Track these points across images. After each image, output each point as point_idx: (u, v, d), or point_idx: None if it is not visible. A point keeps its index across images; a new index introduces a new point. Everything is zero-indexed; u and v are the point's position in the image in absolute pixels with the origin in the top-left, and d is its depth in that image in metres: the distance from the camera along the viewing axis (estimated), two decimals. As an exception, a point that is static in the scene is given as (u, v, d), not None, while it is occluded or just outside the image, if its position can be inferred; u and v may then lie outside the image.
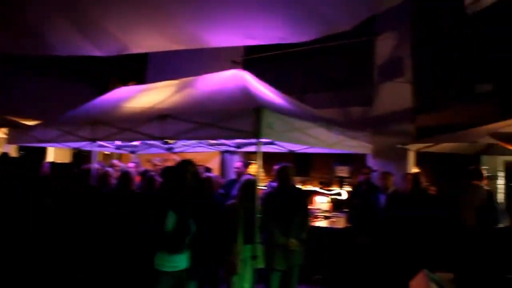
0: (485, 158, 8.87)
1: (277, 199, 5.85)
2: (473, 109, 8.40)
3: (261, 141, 5.60)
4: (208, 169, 9.72)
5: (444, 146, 7.92)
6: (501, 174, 8.21)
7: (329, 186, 10.32)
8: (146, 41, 8.33)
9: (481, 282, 4.45)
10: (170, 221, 4.61)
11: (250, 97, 6.20)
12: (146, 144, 9.16)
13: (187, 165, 4.92)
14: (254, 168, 8.76)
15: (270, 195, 6.09)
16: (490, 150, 8.13)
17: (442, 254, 5.66)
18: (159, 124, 6.12)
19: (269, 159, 7.38)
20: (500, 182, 8.12)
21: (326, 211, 8.87)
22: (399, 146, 8.26)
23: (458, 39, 9.14)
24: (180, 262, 4.77)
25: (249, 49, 12.25)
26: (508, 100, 7.50)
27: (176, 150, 9.46)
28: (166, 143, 8.59)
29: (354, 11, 6.59)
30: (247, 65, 10.72)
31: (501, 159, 8.35)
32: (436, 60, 9.43)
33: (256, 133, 5.37)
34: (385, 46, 10.06)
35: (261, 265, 5.65)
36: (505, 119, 6.63)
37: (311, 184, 10.71)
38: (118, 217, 5.71)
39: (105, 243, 5.70)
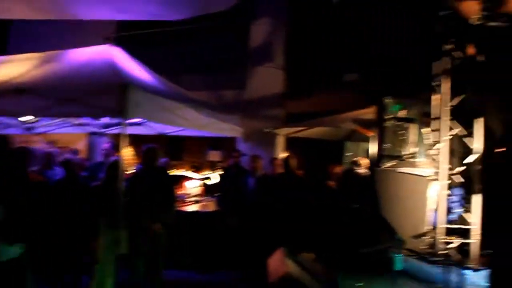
0: (348, 144, 9.41)
1: (142, 182, 5.65)
2: (340, 96, 8.84)
3: (126, 122, 5.35)
4: (75, 151, 9.15)
5: (312, 132, 8.24)
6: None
7: (201, 171, 10.25)
8: (5, 5, 7.54)
9: (339, 259, 4.64)
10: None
11: (117, 74, 5.89)
12: (2, 124, 8.30)
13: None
14: (125, 151, 8.39)
15: (135, 177, 5.87)
16: (353, 136, 8.62)
17: (307, 235, 5.86)
18: (13, 99, 5.59)
19: (141, 142, 7.11)
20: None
21: (197, 195, 8.78)
22: (268, 130, 8.42)
23: (328, 29, 9.52)
24: (6, 251, 4.27)
25: (123, 26, 11.68)
26: (371, 89, 7.97)
27: (38, 130, 8.72)
28: (25, 122, 7.85)
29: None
30: (121, 43, 10.22)
31: (363, 146, 8.87)
32: (307, 48, 9.74)
33: (121, 111, 5.13)
34: (260, 31, 10.17)
35: (125, 250, 5.42)
36: (367, 107, 7.04)
37: (183, 168, 10.56)
38: None
39: None
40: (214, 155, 10.15)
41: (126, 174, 5.76)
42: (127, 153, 5.66)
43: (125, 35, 11.54)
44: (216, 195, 8.73)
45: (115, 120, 7.00)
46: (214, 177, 9.75)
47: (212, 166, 10.13)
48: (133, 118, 5.47)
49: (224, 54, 10.71)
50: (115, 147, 8.32)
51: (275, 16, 10.08)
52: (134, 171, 6.48)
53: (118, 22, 11.28)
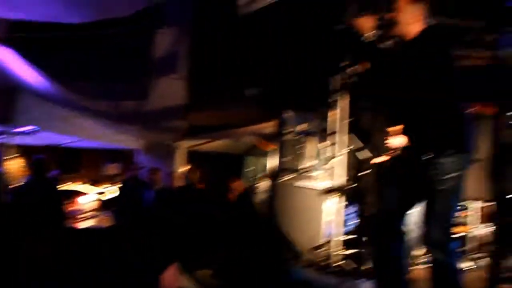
0: (249, 159, 9.48)
1: (29, 194, 5.25)
2: (242, 110, 8.87)
3: (13, 130, 4.98)
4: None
5: (213, 145, 8.23)
6: (263, 174, 8.83)
7: (99, 184, 9.84)
8: None
9: (237, 273, 4.59)
10: None
11: (4, 77, 5.48)
12: None
13: None
14: (12, 163, 7.81)
15: (21, 189, 5.46)
16: (254, 150, 8.71)
17: (206, 250, 5.76)
18: None
19: (33, 153, 6.66)
20: (262, 182, 8.72)
21: (92, 210, 8.39)
22: (169, 142, 8.27)
23: (233, 41, 9.55)
24: None
25: (19, 27, 10.92)
26: (271, 103, 8.08)
27: None
28: None
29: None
30: (14, 45, 9.55)
31: (263, 160, 8.97)
32: (212, 60, 9.70)
33: (7, 118, 4.76)
34: (165, 40, 9.93)
35: (8, 268, 4.98)
36: (268, 121, 7.13)
37: (79, 182, 10.07)
38: None
39: None
40: (112, 168, 9.78)
41: (12, 186, 5.36)
42: (15, 165, 5.24)
43: (20, 36, 10.81)
44: (113, 209, 8.41)
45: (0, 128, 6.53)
46: (112, 191, 9.40)
47: (110, 180, 9.76)
48: (22, 126, 5.10)
49: (126, 62, 10.36)
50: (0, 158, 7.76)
51: (181, 26, 9.94)
52: (21, 183, 6.05)
53: (13, 22, 10.54)
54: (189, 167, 8.49)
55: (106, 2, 6.35)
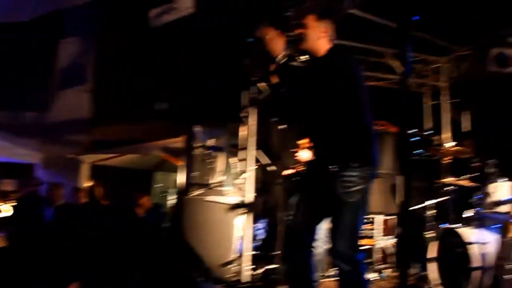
0: (158, 174, 9.28)
1: None
2: (150, 125, 8.68)
3: None
4: None
5: (120, 160, 8.00)
6: (172, 190, 8.70)
7: (-9, 202, 9.13)
8: None
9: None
10: None
11: None
12: None
13: None
14: None
15: None
16: (163, 166, 8.54)
17: (110, 268, 5.52)
18: None
19: None
20: (171, 197, 8.57)
21: (-16, 230, 7.74)
22: (71, 156, 7.91)
23: (142, 54, 9.34)
24: None
25: None
26: (180, 118, 7.98)
27: None
28: None
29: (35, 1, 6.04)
30: None
31: (173, 176, 8.83)
32: (120, 73, 9.43)
33: None
34: (70, 50, 9.53)
35: None
36: (177, 136, 7.03)
37: (-34, 199, 9.28)
38: None
39: None
40: (7, 184, 9.12)
41: None
42: None
43: None
44: (7, 229, 7.85)
45: None
46: (6, 209, 8.78)
47: (4, 197, 9.11)
48: None
49: (27, 71, 9.77)
50: None
51: (87, 35, 9.57)
52: None
53: None
54: (93, 182, 8.15)
55: (3, 4, 5.96)
